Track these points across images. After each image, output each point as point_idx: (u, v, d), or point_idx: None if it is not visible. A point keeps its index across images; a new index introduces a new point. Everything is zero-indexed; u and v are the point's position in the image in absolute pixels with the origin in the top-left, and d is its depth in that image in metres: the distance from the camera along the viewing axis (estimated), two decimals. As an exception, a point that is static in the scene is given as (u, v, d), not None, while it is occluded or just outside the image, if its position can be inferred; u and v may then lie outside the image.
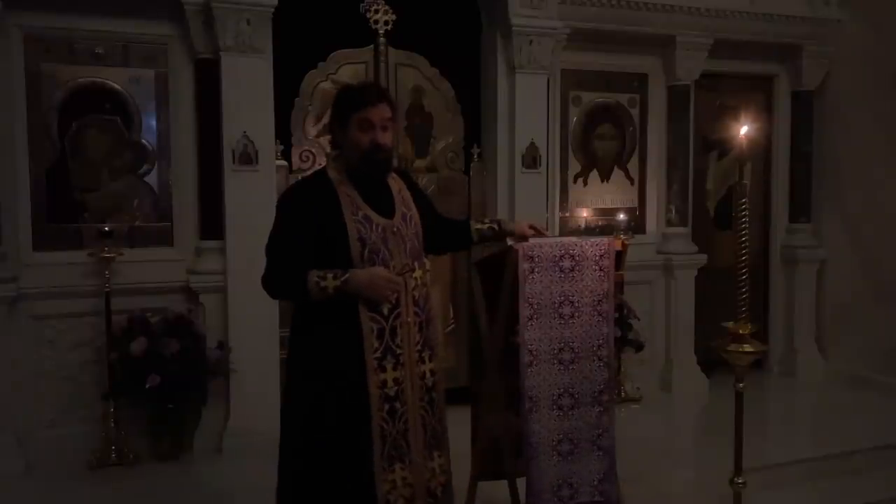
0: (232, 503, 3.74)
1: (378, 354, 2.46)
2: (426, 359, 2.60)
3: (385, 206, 2.54)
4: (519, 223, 3.00)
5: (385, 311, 2.47)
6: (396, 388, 2.49)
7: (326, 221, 2.44)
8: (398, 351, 2.50)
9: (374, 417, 2.45)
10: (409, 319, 2.52)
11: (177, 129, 4.34)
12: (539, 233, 2.95)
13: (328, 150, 4.69)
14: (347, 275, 2.39)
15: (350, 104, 2.49)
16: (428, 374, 2.60)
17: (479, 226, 2.90)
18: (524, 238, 2.90)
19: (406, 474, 2.52)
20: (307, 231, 2.42)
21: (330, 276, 2.38)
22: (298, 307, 2.57)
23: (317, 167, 4.63)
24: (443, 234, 2.81)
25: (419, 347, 2.57)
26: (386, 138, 2.50)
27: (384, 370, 2.47)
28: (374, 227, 2.47)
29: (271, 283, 2.50)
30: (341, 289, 2.38)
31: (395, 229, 2.52)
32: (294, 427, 2.53)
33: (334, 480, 2.46)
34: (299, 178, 4.52)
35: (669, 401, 5.32)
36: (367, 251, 2.45)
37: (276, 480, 2.58)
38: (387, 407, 2.47)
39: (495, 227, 2.90)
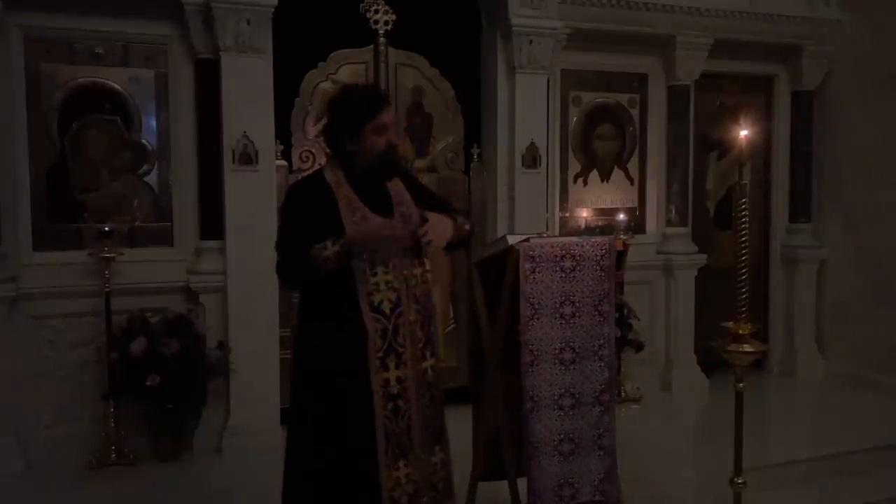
0: (232, 503, 3.74)
1: (381, 354, 2.49)
2: (427, 355, 2.63)
3: (383, 205, 2.57)
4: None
5: (387, 310, 2.50)
6: (398, 386, 2.52)
7: (324, 222, 2.47)
8: (400, 349, 2.52)
9: (377, 416, 2.48)
10: (410, 318, 2.55)
11: (177, 129, 4.33)
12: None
13: (328, 151, 4.71)
14: (342, 238, 2.43)
15: (363, 113, 2.51)
16: (429, 371, 2.63)
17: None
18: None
19: (410, 471, 2.54)
20: (309, 222, 2.48)
21: (329, 242, 2.42)
22: (302, 306, 2.60)
23: (317, 167, 4.65)
24: None
25: (421, 345, 2.60)
26: (397, 137, 2.62)
27: (387, 369, 2.50)
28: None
29: (284, 272, 2.56)
30: (342, 251, 2.42)
31: None
32: (299, 426, 2.55)
33: (340, 479, 2.47)
34: (299, 177, 4.57)
35: (669, 401, 5.32)
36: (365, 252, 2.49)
37: (282, 480, 2.60)
38: (390, 405, 2.50)
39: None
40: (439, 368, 2.72)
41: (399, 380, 2.52)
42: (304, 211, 2.52)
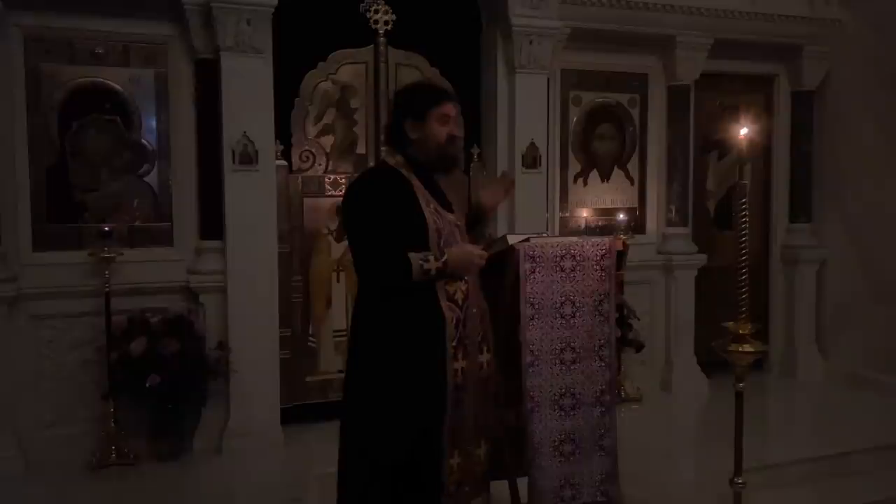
0: (232, 503, 3.74)
1: (454, 343, 2.50)
2: (484, 350, 2.64)
3: (444, 201, 2.61)
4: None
5: (460, 300, 2.52)
6: (463, 377, 2.53)
7: (405, 210, 2.47)
8: (466, 341, 2.54)
9: (448, 404, 2.49)
10: (474, 310, 2.57)
11: (177, 129, 4.33)
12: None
13: (328, 150, 4.72)
14: (445, 256, 2.44)
15: (429, 99, 2.56)
16: (485, 365, 2.64)
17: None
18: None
19: (460, 460, 2.56)
20: (394, 216, 2.45)
21: (431, 258, 2.43)
22: (367, 294, 2.57)
23: (317, 167, 4.66)
24: None
25: (479, 338, 2.61)
26: (459, 132, 2.64)
27: (457, 359, 2.51)
28: (443, 219, 2.54)
29: (374, 272, 2.48)
30: (442, 269, 2.44)
31: (458, 223, 2.61)
32: (367, 411, 2.51)
33: (406, 463, 2.48)
34: (303, 175, 4.58)
35: (669, 401, 5.32)
36: (442, 241, 2.50)
37: (338, 464, 2.61)
38: (455, 395, 2.51)
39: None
40: (494, 364, 2.71)
41: (462, 371, 2.53)
42: (387, 201, 2.45)
